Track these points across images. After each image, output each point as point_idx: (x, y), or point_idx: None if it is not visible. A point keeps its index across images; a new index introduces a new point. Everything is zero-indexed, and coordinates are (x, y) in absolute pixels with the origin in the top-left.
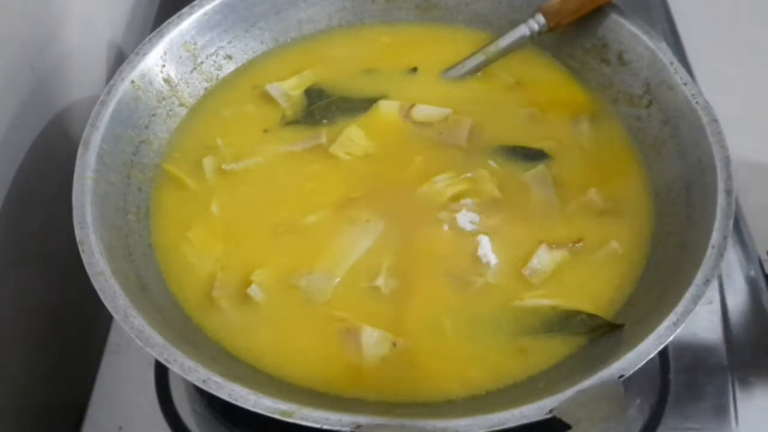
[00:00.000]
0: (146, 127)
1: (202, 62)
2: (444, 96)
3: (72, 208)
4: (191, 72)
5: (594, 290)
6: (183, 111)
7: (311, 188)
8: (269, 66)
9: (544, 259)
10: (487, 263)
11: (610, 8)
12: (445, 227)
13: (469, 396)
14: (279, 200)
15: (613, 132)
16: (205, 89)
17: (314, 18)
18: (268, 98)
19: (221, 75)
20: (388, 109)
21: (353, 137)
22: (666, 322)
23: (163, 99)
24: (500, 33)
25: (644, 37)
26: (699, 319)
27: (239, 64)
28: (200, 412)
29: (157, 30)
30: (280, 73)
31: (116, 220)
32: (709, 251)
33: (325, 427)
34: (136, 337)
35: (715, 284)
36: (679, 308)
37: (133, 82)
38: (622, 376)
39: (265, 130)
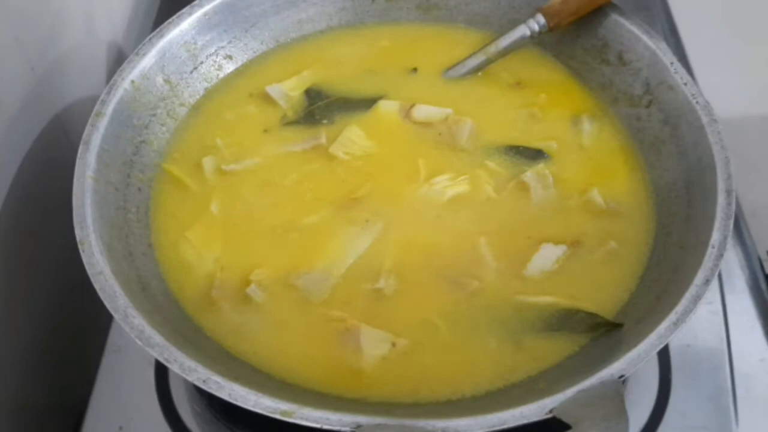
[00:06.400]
0: (146, 127)
1: (202, 62)
2: (444, 96)
3: (72, 208)
4: (191, 72)
5: (594, 290)
6: (183, 111)
7: (311, 188)
8: (269, 66)
9: (544, 259)
10: (487, 263)
11: (610, 8)
12: (445, 228)
13: (469, 396)
14: (278, 200)
15: (613, 132)
16: (205, 89)
17: (314, 18)
18: (268, 98)
19: (221, 75)
20: (388, 109)
21: (353, 137)
22: (666, 322)
23: (163, 99)
24: (500, 33)
25: (644, 37)
26: (699, 319)
27: (239, 64)
28: (200, 412)
29: (157, 30)
30: (280, 74)
31: (116, 220)
32: (709, 251)
33: (325, 427)
34: (136, 337)
35: (715, 284)
36: (679, 308)
37: (133, 81)
38: (622, 376)
39: (265, 131)
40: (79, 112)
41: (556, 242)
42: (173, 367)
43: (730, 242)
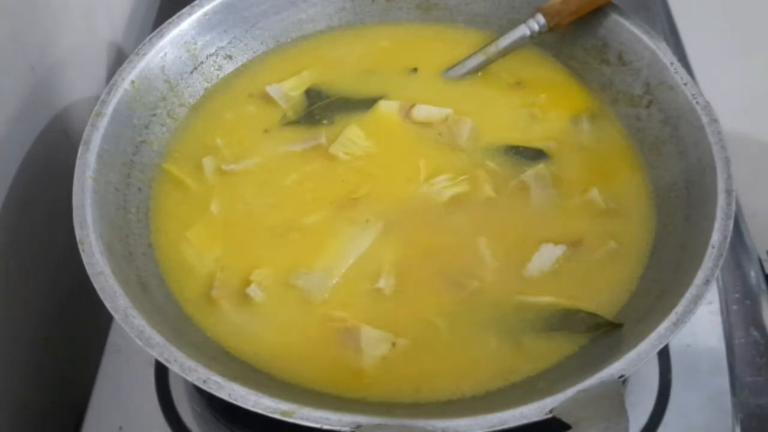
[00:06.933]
0: (146, 127)
1: (202, 62)
2: (444, 96)
3: (72, 208)
4: (191, 72)
5: (594, 290)
6: (183, 111)
7: (311, 188)
8: (269, 66)
9: (544, 259)
10: (487, 263)
11: (610, 8)
12: (445, 228)
13: (469, 396)
14: (278, 200)
15: (613, 132)
16: (205, 89)
17: (314, 18)
18: (268, 98)
19: (221, 75)
20: (388, 109)
21: (353, 137)
22: (666, 322)
23: (163, 99)
24: (500, 33)
25: (644, 37)
26: (699, 319)
27: (239, 65)
28: (200, 412)
29: (157, 30)
30: (280, 74)
31: (116, 220)
32: (709, 251)
33: (325, 427)
34: (136, 337)
35: (715, 284)
36: (680, 308)
37: (133, 82)
38: (622, 376)
39: (265, 131)
40: (79, 112)
41: (556, 242)
42: (173, 367)
43: (730, 242)
